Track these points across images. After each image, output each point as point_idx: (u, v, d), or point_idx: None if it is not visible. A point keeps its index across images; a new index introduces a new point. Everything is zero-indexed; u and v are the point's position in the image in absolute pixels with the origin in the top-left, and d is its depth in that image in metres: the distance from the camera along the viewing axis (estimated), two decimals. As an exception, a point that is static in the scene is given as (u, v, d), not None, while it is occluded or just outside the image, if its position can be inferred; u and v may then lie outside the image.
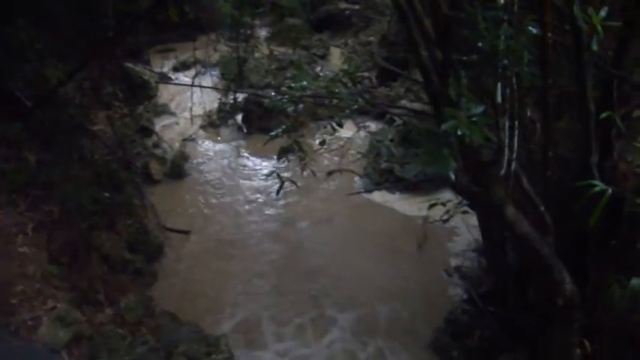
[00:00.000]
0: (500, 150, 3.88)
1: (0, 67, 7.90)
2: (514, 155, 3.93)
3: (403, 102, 11.99)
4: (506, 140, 3.82)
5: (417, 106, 11.35)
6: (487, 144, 3.87)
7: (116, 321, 6.42)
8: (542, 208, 4.52)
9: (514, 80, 3.69)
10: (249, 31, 12.49)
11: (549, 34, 3.48)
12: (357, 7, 17.74)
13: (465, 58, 3.65)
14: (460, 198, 6.93)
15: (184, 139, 12.48)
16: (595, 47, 3.40)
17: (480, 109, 3.13)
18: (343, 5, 17.78)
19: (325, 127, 7.19)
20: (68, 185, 7.11)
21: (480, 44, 3.30)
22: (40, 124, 7.76)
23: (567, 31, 3.69)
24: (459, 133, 3.00)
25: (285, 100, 7.17)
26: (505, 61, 3.34)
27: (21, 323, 5.69)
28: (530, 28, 3.35)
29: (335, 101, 8.02)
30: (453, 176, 3.29)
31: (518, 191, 4.69)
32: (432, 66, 4.12)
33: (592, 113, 3.88)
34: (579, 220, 5.03)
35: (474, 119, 3.08)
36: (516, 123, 3.87)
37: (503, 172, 3.99)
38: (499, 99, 3.64)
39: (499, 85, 3.59)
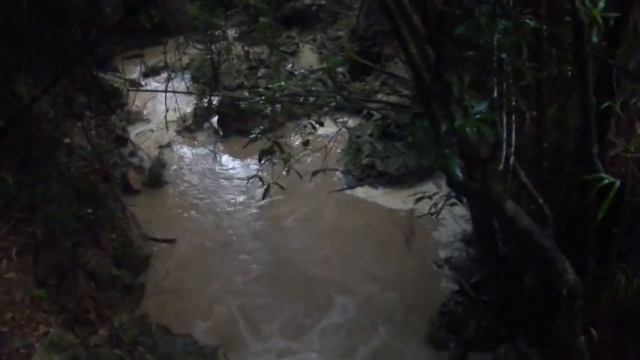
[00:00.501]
0: (497, 145, 3.83)
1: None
2: (512, 150, 3.89)
3: (379, 96, 11.94)
4: (504, 135, 3.77)
5: (393, 99, 11.34)
6: (484, 140, 3.83)
7: (112, 342, 6.26)
8: (540, 201, 4.49)
9: (510, 74, 3.65)
10: (218, 32, 12.38)
11: (544, 27, 3.45)
12: (323, 1, 17.60)
13: (463, 54, 3.58)
14: (447, 190, 6.92)
15: (161, 146, 12.28)
16: (595, 39, 3.37)
17: (483, 106, 3.08)
18: (309, 1, 17.62)
19: (305, 127, 7.11)
20: (50, 205, 6.94)
21: (479, 40, 3.23)
22: (15, 143, 7.57)
23: (563, 23, 3.66)
24: (468, 131, 2.94)
25: (262, 102, 7.09)
26: (503, 56, 3.28)
27: (13, 352, 5.53)
28: (527, 21, 3.28)
29: (312, 99, 7.95)
30: (459, 174, 3.24)
31: (514, 184, 4.68)
32: (422, 63, 4.05)
33: (593, 105, 3.84)
34: (576, 207, 5.05)
35: (478, 116, 3.03)
36: (513, 118, 3.83)
37: (501, 167, 3.95)
38: (495, 94, 3.59)
39: (495, 80, 3.55)
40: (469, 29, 3.19)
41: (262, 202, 9.92)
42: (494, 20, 3.14)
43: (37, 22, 7.92)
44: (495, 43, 3.17)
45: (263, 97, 7.14)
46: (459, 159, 3.25)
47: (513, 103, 3.93)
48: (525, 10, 3.51)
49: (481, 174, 4.04)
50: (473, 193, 4.45)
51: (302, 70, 13.85)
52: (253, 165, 10.79)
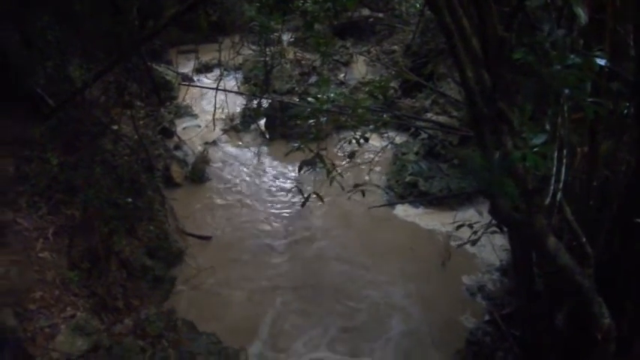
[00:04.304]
0: (546, 179, 3.74)
1: (23, 65, 7.83)
2: (560, 185, 3.79)
3: (429, 115, 11.82)
4: (554, 169, 3.68)
5: (442, 119, 11.23)
6: (532, 171, 3.75)
7: (136, 332, 6.28)
8: (583, 239, 4.38)
9: (566, 109, 3.55)
10: (274, 36, 12.41)
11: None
12: (381, 15, 17.51)
13: (520, 82, 3.51)
14: (488, 216, 6.80)
15: (206, 143, 12.35)
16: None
17: (542, 139, 3.00)
18: (366, 12, 17.55)
19: (350, 143, 7.06)
20: (90, 189, 6.99)
21: (540, 69, 3.15)
22: (64, 125, 7.66)
23: (624, 59, 3.56)
24: (527, 164, 2.87)
25: (309, 112, 7.06)
26: (566, 91, 3.19)
27: (38, 330, 5.57)
28: (595, 58, 3.17)
29: (360, 111, 7.90)
30: (518, 201, 3.18)
31: (557, 218, 4.56)
32: (477, 87, 3.97)
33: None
34: (618, 249, 4.92)
35: (536, 149, 2.96)
36: (564, 153, 3.73)
37: (547, 201, 3.85)
38: (549, 127, 3.51)
39: (551, 112, 3.47)
40: (534, 60, 3.11)
41: (301, 210, 9.90)
42: (564, 53, 3.06)
43: (97, 10, 8.02)
44: (561, 76, 3.09)
45: (310, 108, 7.10)
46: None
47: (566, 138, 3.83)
48: (594, 46, 3.42)
49: (526, 206, 3.94)
50: (516, 224, 4.34)
51: (352, 82, 13.90)
52: (296, 171, 10.79)
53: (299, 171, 6.47)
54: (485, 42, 3.83)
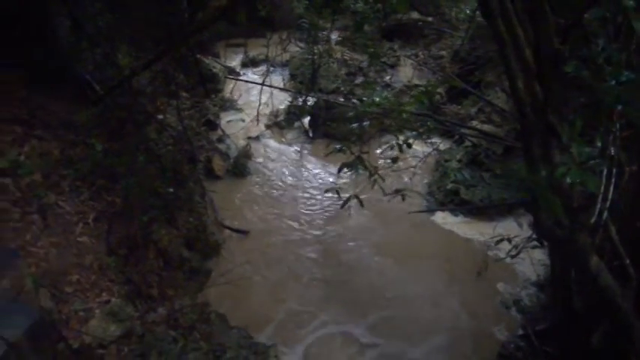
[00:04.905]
0: (592, 197, 3.66)
1: (72, 50, 7.93)
2: (607, 204, 3.70)
3: (474, 122, 11.69)
4: (602, 188, 3.59)
5: (487, 128, 11.12)
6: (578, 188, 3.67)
7: (169, 322, 6.33)
8: (627, 261, 4.27)
9: (618, 126, 3.47)
10: (322, 34, 12.40)
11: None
12: (430, 19, 17.40)
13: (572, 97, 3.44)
14: (527, 229, 6.69)
15: (249, 137, 12.41)
16: None
17: (592, 156, 2.94)
18: (416, 16, 17.45)
19: (393, 148, 7.00)
20: (133, 177, 7.05)
21: (595, 84, 3.08)
22: (110, 112, 7.73)
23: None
24: (570, 180, 2.80)
25: (353, 115, 7.03)
26: (619, 107, 3.11)
27: (72, 313, 5.62)
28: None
29: (405, 115, 7.84)
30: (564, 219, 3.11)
31: (600, 237, 4.46)
32: (528, 99, 3.90)
33: None
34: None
35: (585, 166, 2.89)
36: (614, 171, 3.65)
37: (593, 220, 3.77)
38: (599, 144, 3.44)
39: (602, 129, 3.39)
40: (590, 74, 3.04)
41: (339, 210, 9.87)
42: (619, 69, 2.99)
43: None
44: (615, 92, 3.01)
45: (353, 112, 7.09)
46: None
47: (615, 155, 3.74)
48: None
49: (570, 223, 3.87)
50: (558, 240, 4.26)
51: (398, 84, 13.84)
52: (336, 171, 10.80)
53: (338, 172, 6.45)
54: (539, 53, 3.76)
